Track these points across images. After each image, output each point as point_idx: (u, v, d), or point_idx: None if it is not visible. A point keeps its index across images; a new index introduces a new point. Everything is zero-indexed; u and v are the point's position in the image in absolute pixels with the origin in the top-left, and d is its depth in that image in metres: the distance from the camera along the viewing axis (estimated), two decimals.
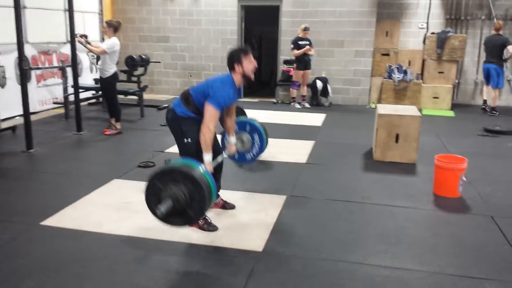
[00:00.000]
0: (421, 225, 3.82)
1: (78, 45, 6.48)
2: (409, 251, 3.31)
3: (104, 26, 6.60)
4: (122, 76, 8.63)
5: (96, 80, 8.27)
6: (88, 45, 6.41)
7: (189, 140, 3.50)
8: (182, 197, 2.90)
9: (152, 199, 2.99)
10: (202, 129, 3.36)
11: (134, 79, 8.27)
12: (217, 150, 3.72)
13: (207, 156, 3.37)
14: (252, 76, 3.54)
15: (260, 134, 4.48)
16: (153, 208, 2.97)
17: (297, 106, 9.35)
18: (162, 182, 2.96)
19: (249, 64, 3.49)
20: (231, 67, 3.52)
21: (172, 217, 2.98)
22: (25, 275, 2.90)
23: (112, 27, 6.47)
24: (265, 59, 12.50)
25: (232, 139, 3.97)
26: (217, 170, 3.71)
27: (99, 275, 2.93)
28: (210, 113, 3.36)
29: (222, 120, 3.90)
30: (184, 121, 3.52)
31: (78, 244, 3.34)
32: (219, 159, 3.70)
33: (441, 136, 6.86)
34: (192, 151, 3.46)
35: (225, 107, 3.54)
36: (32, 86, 7.75)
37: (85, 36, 6.52)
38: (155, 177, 3.00)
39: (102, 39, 9.15)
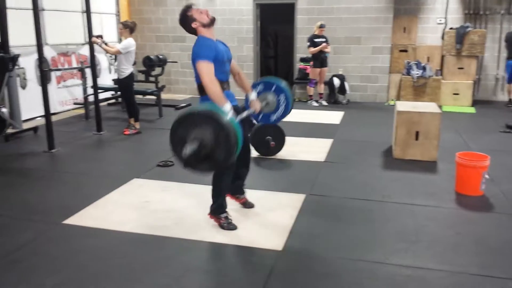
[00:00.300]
0: (443, 223, 3.76)
1: (96, 46, 6.56)
2: (430, 250, 3.27)
3: (121, 27, 6.64)
4: (140, 76, 8.74)
5: (114, 81, 8.35)
6: (103, 45, 6.47)
7: None
8: (207, 138, 2.85)
9: (178, 144, 2.94)
10: (205, 86, 3.25)
11: (152, 79, 8.34)
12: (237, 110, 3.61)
13: (226, 106, 3.20)
14: (210, 17, 3.41)
15: (286, 95, 4.37)
16: (179, 152, 2.91)
17: (315, 104, 9.31)
18: (187, 125, 2.92)
19: (200, 14, 3.40)
20: (190, 29, 3.42)
21: (198, 163, 2.95)
22: (47, 273, 2.94)
23: (128, 27, 6.53)
24: (281, 57, 12.49)
25: (252, 95, 3.81)
26: (245, 150, 3.62)
27: (120, 273, 2.96)
28: (202, 68, 3.25)
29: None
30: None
31: (98, 242, 3.39)
32: (244, 114, 3.51)
33: (462, 133, 6.75)
34: None
35: (220, 60, 3.39)
36: (52, 87, 7.87)
37: (101, 37, 6.59)
38: (180, 120, 2.96)
39: (120, 40, 9.23)
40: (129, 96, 6.73)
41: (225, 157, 2.94)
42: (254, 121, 5.95)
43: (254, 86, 4.40)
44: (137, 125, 6.82)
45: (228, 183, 3.63)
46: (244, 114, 3.50)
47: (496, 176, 4.64)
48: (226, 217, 3.58)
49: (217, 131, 2.86)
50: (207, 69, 3.26)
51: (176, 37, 10.34)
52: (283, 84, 4.41)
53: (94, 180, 4.80)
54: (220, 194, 3.57)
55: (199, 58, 3.28)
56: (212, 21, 3.44)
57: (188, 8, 3.44)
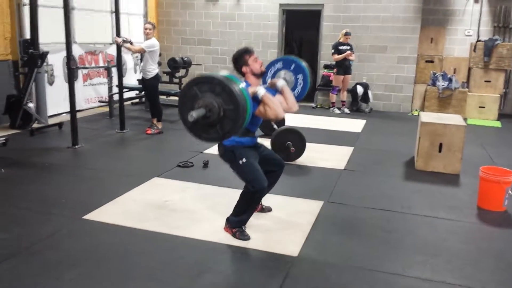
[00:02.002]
0: (463, 238, 3.69)
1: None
2: (449, 264, 3.21)
3: (150, 27, 6.59)
4: (164, 78, 8.83)
5: (139, 81, 8.46)
6: (125, 44, 6.50)
7: (244, 160, 3.39)
8: (215, 107, 2.84)
9: (187, 105, 2.93)
10: (276, 113, 3.33)
11: (176, 80, 8.43)
12: (271, 159, 3.71)
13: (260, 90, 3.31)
14: (263, 69, 3.52)
15: (304, 75, 4.28)
16: (185, 115, 2.89)
17: (336, 111, 9.26)
18: (200, 89, 2.92)
19: (255, 63, 3.47)
20: (240, 72, 3.50)
21: (203, 131, 2.95)
22: (66, 267, 2.99)
23: (155, 28, 6.63)
24: (305, 64, 12.45)
25: (281, 82, 3.79)
26: (273, 176, 3.68)
27: (137, 271, 2.98)
28: (269, 100, 3.31)
29: None
30: (234, 147, 3.44)
31: (117, 239, 3.43)
32: (262, 89, 3.44)
33: (486, 147, 6.62)
34: (249, 170, 3.39)
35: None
36: (78, 84, 8.02)
37: (130, 42, 6.57)
38: (193, 83, 2.95)
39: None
40: (154, 96, 6.81)
41: (231, 128, 2.91)
42: (275, 126, 5.93)
43: (273, 63, 4.35)
44: (160, 125, 6.89)
45: (257, 205, 3.61)
46: (262, 90, 3.42)
47: None
48: (240, 227, 3.51)
49: (226, 99, 2.84)
50: (273, 101, 3.35)
51: (201, 40, 10.43)
52: (303, 63, 4.31)
53: (115, 177, 4.86)
54: (245, 212, 3.50)
55: (264, 91, 3.35)
56: (262, 74, 3.53)
57: (247, 51, 3.52)
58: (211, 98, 2.86)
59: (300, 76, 4.28)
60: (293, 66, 4.26)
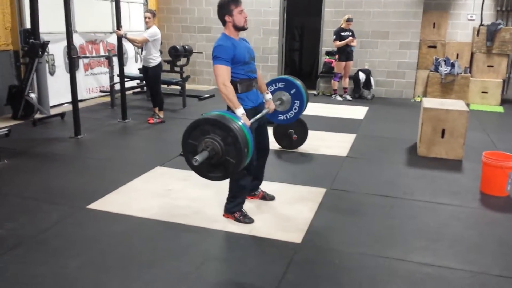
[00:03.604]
0: (465, 223, 3.70)
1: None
2: (451, 249, 3.22)
3: (149, 16, 6.54)
4: (165, 66, 8.79)
5: (140, 70, 8.42)
6: (128, 36, 6.49)
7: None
8: (216, 146, 2.86)
9: (190, 151, 2.97)
10: (219, 89, 3.26)
11: (177, 69, 8.40)
12: (267, 147, 3.73)
13: (239, 111, 3.22)
14: (246, 26, 3.42)
15: (301, 103, 4.33)
16: (190, 160, 2.92)
17: (339, 98, 9.23)
18: (194, 138, 2.94)
19: (240, 15, 3.36)
20: (222, 20, 3.41)
21: (210, 172, 2.98)
22: (71, 255, 3.02)
23: (155, 16, 6.58)
24: (306, 50, 12.41)
25: (267, 96, 3.73)
26: (261, 156, 3.68)
27: (141, 258, 3.01)
28: (218, 70, 3.26)
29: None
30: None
31: (121, 227, 3.45)
32: (258, 115, 3.50)
33: (489, 132, 6.61)
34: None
35: (241, 60, 3.36)
36: (80, 74, 8.02)
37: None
38: (187, 136, 2.98)
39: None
40: (156, 85, 6.78)
41: (235, 165, 2.94)
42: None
43: (276, 80, 4.37)
44: (161, 114, 6.89)
45: (248, 185, 3.61)
46: (259, 115, 3.50)
47: None
48: (241, 210, 3.57)
49: (227, 138, 2.87)
50: (221, 72, 3.27)
51: (201, 28, 10.38)
52: (304, 91, 4.36)
53: (118, 166, 4.88)
54: (238, 196, 3.54)
55: (216, 61, 3.29)
56: (243, 29, 3.43)
57: (235, 1, 3.38)
58: (210, 139, 2.89)
59: (297, 103, 4.38)
60: (293, 90, 4.34)
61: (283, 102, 4.37)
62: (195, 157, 2.83)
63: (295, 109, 4.42)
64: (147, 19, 6.54)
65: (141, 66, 7.87)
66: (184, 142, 3.01)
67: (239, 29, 3.41)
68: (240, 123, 2.97)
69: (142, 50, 6.87)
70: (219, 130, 2.89)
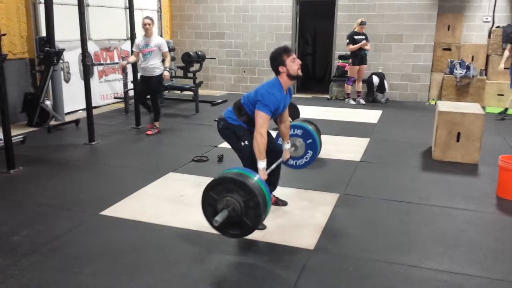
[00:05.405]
0: (482, 228, 3.63)
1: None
2: (468, 256, 3.16)
3: (150, 23, 6.25)
4: (179, 72, 8.87)
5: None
6: (165, 64, 6.39)
7: (246, 142, 3.46)
8: (237, 206, 2.91)
9: (209, 210, 3.04)
10: (255, 135, 3.30)
11: (190, 75, 8.44)
12: (276, 151, 3.71)
13: (261, 164, 3.31)
14: (300, 74, 3.42)
15: (314, 154, 4.39)
16: (211, 219, 2.99)
17: (352, 102, 9.18)
18: (216, 192, 2.99)
19: (293, 64, 3.36)
20: (276, 71, 3.43)
21: (230, 229, 3.02)
22: (85, 262, 3.03)
23: (153, 22, 6.40)
24: (319, 55, 12.37)
25: (287, 146, 3.81)
26: (275, 171, 3.69)
27: (154, 265, 3.01)
28: (261, 118, 3.29)
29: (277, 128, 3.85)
30: (237, 127, 3.50)
31: (134, 234, 3.46)
32: (274, 165, 3.61)
33: (505, 136, 6.50)
34: (249, 155, 3.44)
35: (277, 112, 3.48)
36: (94, 81, 8.10)
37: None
38: (209, 188, 3.03)
39: (161, 35, 9.34)
40: (159, 93, 6.63)
41: (251, 228, 3.00)
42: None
43: (295, 126, 4.36)
44: (158, 124, 6.65)
45: None
46: (274, 165, 3.58)
47: None
48: None
49: (249, 202, 2.91)
50: (264, 120, 3.30)
51: (214, 34, 10.41)
52: (318, 139, 4.41)
53: (131, 172, 4.90)
54: None
55: (262, 108, 3.29)
56: (297, 77, 3.45)
57: (286, 50, 3.40)
58: (229, 198, 2.93)
59: (310, 153, 4.42)
60: (310, 141, 4.38)
61: (297, 149, 4.41)
62: (215, 218, 2.88)
63: (306, 158, 4.44)
64: (147, 26, 6.22)
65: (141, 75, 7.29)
66: (205, 193, 3.06)
67: (293, 78, 3.42)
68: (256, 178, 3.03)
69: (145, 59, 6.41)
70: (243, 192, 2.93)
